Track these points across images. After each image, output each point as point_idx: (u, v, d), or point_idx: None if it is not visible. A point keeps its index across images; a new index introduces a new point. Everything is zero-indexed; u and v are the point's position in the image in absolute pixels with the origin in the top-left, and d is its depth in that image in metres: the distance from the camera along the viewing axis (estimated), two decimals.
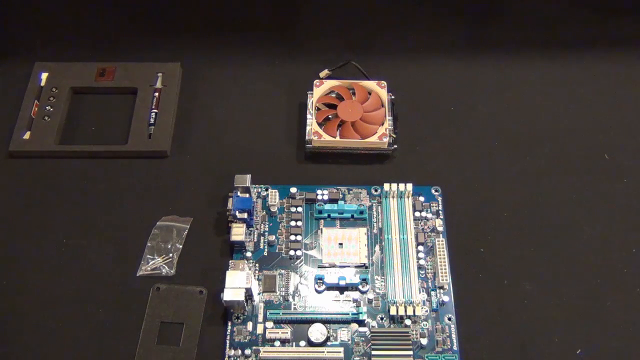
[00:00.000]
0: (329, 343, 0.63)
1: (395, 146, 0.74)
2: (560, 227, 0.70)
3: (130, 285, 0.67)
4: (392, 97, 0.77)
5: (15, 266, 0.68)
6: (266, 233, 0.70)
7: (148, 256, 0.68)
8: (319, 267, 0.68)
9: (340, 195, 0.72)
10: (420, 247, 0.68)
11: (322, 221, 0.70)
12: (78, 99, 0.80)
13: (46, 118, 0.77)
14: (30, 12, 0.88)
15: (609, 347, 0.63)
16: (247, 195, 0.69)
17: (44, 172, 0.74)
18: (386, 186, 0.71)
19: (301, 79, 0.80)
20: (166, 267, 0.68)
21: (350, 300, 0.66)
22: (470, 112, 0.79)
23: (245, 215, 0.68)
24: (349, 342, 0.63)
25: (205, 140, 0.77)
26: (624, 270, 0.68)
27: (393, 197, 0.71)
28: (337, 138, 0.74)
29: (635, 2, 0.88)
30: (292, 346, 0.63)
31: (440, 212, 0.71)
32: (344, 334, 0.64)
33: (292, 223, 0.70)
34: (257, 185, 0.72)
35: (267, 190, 0.72)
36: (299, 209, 0.71)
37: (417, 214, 0.71)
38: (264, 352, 0.62)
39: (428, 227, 0.70)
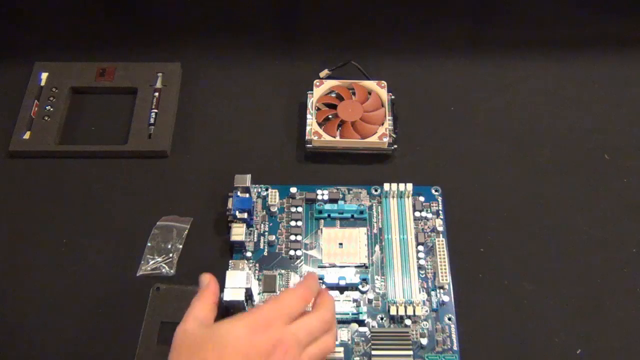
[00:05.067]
0: None
1: (395, 146, 0.74)
2: (560, 227, 0.70)
3: (130, 285, 0.67)
4: (392, 97, 0.77)
5: (15, 266, 0.68)
6: (266, 233, 0.70)
7: (148, 256, 0.68)
8: (319, 267, 0.68)
9: (340, 195, 0.72)
10: (420, 247, 0.68)
11: (322, 221, 0.70)
12: (78, 99, 0.80)
13: (46, 118, 0.77)
14: (30, 12, 0.88)
15: (609, 347, 0.63)
16: (247, 195, 0.69)
17: (44, 172, 0.74)
18: (386, 186, 0.71)
19: (301, 79, 0.80)
20: (166, 267, 0.68)
21: (350, 300, 0.66)
22: (470, 112, 0.79)
23: (245, 215, 0.68)
24: (349, 342, 0.63)
25: (205, 140, 0.77)
26: (624, 270, 0.68)
27: (393, 197, 0.71)
28: (337, 138, 0.74)
29: (635, 2, 0.88)
30: None
31: (440, 212, 0.71)
32: (344, 334, 0.64)
33: (292, 223, 0.70)
34: (257, 185, 0.72)
35: (267, 190, 0.72)
36: (299, 209, 0.71)
37: (417, 214, 0.71)
38: None
39: (428, 227, 0.70)
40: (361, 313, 0.64)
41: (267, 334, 0.50)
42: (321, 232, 0.70)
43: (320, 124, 0.75)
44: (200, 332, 0.51)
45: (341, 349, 0.62)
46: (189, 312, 0.54)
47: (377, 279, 0.67)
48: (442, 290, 0.66)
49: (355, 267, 0.67)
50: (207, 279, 0.57)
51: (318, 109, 0.76)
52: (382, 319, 0.65)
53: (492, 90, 0.81)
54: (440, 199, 0.72)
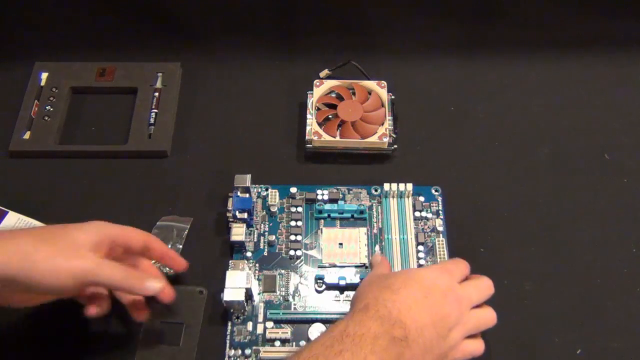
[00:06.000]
0: None
1: (395, 146, 0.74)
2: (560, 227, 0.70)
3: None
4: (392, 97, 0.77)
5: None
6: (266, 233, 0.70)
7: None
8: (319, 267, 0.68)
9: (340, 195, 0.72)
10: (420, 247, 0.68)
11: (322, 221, 0.70)
12: (78, 99, 0.80)
13: (46, 118, 0.77)
14: (30, 12, 0.88)
15: (609, 347, 0.63)
16: (247, 195, 0.69)
17: (44, 172, 0.74)
18: (386, 186, 0.71)
19: (301, 79, 0.80)
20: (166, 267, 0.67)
21: (350, 300, 0.65)
22: (470, 112, 0.79)
23: (245, 215, 0.68)
24: None
25: (205, 140, 0.77)
26: (624, 270, 0.68)
27: (393, 197, 0.71)
28: (337, 138, 0.74)
29: (635, 2, 0.88)
30: (292, 346, 0.63)
31: (440, 212, 0.71)
32: None
33: (292, 223, 0.70)
34: (257, 185, 0.72)
35: (267, 190, 0.72)
36: (299, 209, 0.71)
37: (417, 214, 0.71)
38: (264, 352, 0.62)
39: (428, 227, 0.70)
40: None
41: (446, 279, 0.58)
42: (321, 232, 0.70)
43: (320, 124, 0.75)
44: (388, 273, 0.61)
45: None
46: (371, 272, 0.63)
47: None
48: None
49: (355, 267, 0.67)
50: (379, 258, 0.65)
51: (318, 109, 0.76)
52: None
53: (492, 90, 0.81)
54: (440, 199, 0.72)
